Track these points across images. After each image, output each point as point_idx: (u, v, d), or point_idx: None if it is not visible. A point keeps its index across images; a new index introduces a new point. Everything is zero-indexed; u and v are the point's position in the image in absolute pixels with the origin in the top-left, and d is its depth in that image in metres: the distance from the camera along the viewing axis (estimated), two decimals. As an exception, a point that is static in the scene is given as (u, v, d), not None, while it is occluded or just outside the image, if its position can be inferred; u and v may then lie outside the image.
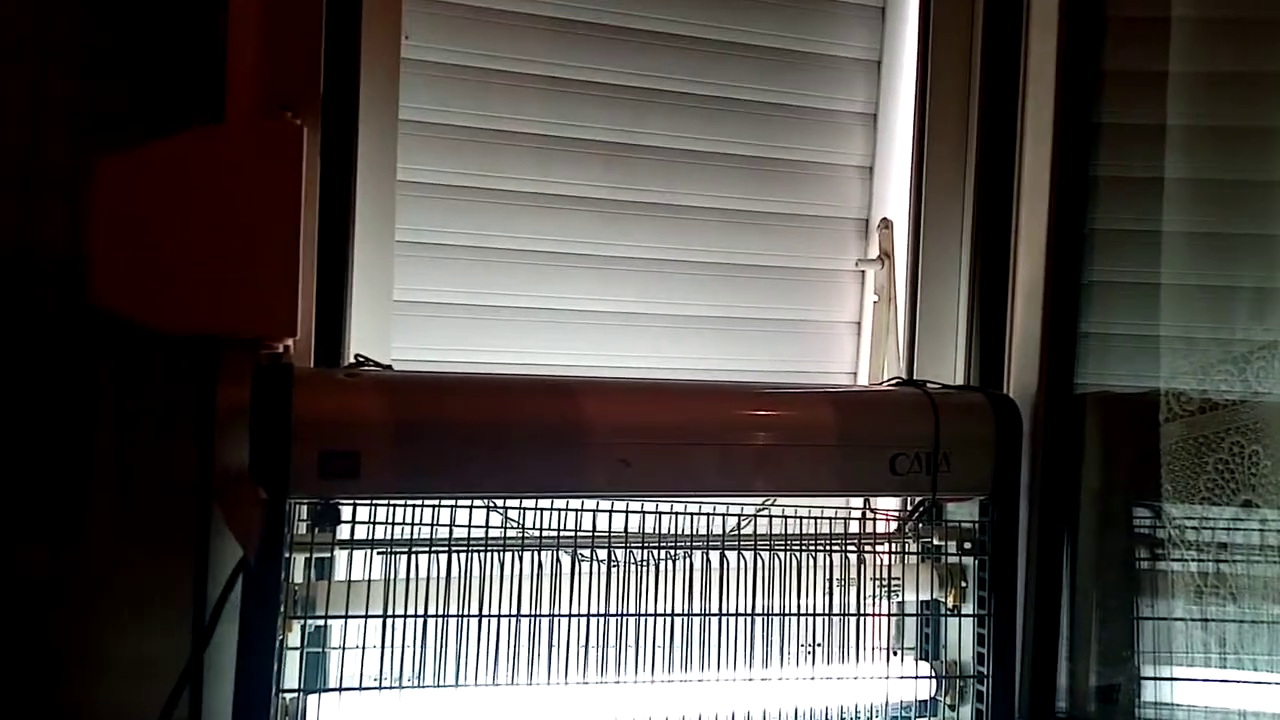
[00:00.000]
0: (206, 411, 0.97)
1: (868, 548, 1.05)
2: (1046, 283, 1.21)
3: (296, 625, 0.90)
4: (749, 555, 1.00)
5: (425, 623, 0.91)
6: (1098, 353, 1.21)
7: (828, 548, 1.03)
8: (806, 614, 1.01)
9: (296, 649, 0.91)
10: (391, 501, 0.91)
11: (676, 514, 0.98)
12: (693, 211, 1.30)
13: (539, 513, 0.95)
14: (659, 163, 1.28)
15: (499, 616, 0.92)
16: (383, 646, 0.89)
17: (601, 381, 1.03)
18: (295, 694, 0.89)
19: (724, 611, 0.99)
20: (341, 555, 0.95)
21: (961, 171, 1.28)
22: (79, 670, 0.99)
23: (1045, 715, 1.15)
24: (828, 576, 1.02)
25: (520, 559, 0.93)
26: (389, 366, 0.97)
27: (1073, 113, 1.21)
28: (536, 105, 1.23)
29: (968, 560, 1.07)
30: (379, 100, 1.09)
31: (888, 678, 1.05)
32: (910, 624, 1.13)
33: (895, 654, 1.10)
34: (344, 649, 0.92)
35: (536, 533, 0.94)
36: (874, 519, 1.08)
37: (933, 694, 1.09)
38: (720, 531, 1.00)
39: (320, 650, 0.93)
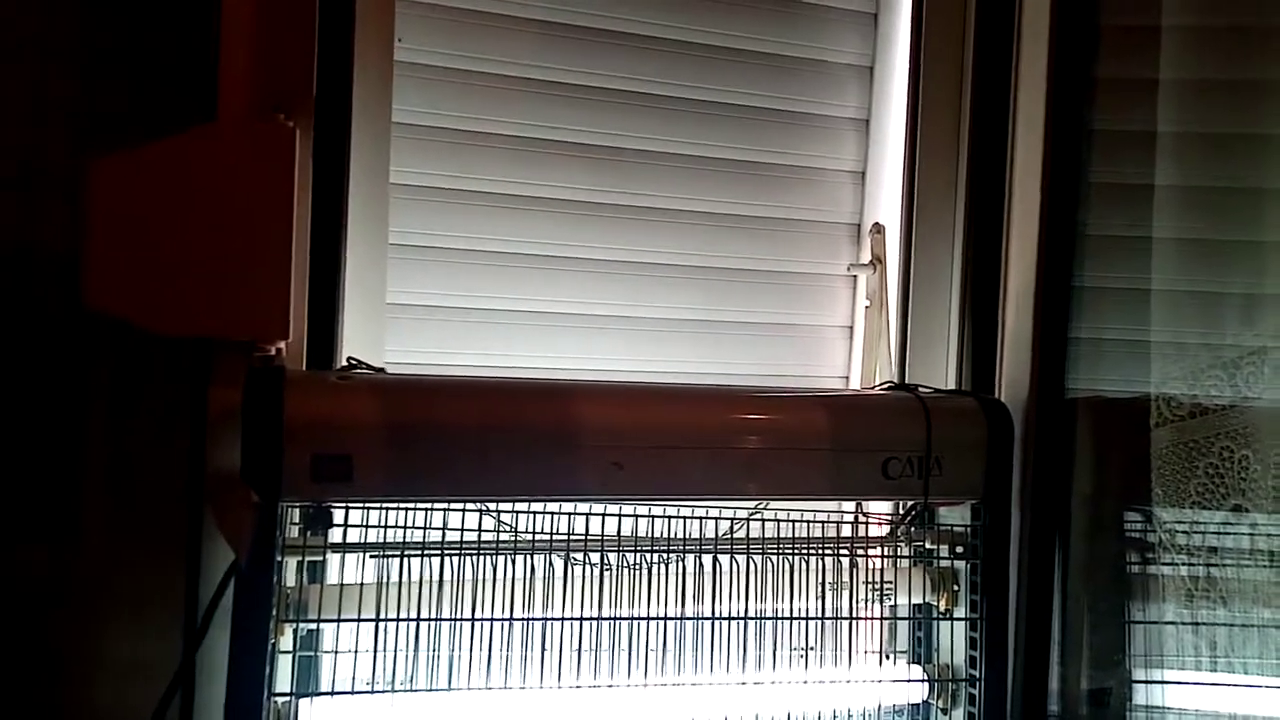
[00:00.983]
0: (199, 413, 0.97)
1: (860, 551, 1.05)
2: (1038, 287, 1.21)
3: (288, 629, 0.90)
4: (741, 559, 1.00)
5: (418, 626, 0.91)
6: (1089, 358, 1.21)
7: (820, 551, 1.03)
8: (799, 618, 1.01)
9: (288, 653, 0.91)
10: (383, 505, 0.91)
11: (669, 517, 0.98)
12: (685, 215, 1.30)
13: (531, 516, 0.95)
14: (651, 167, 1.28)
15: (491, 620, 0.92)
16: (375, 650, 0.89)
17: (594, 385, 1.03)
18: (287, 698, 0.89)
19: (716, 615, 0.99)
20: (333, 559, 0.95)
21: (953, 177, 1.28)
22: (73, 671, 0.99)
23: (1037, 719, 1.16)
24: (820, 580, 1.02)
25: (513, 562, 0.93)
26: (381, 369, 0.96)
27: (1064, 119, 1.21)
28: (528, 108, 1.23)
29: (959, 564, 1.08)
30: (372, 102, 1.08)
31: (880, 681, 1.05)
32: (902, 628, 1.13)
33: (887, 657, 1.10)
34: (336, 653, 0.92)
35: (529, 536, 0.94)
36: (866, 523, 1.08)
37: (925, 698, 1.09)
38: (713, 535, 1.00)
39: (313, 654, 0.93)
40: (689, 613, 0.98)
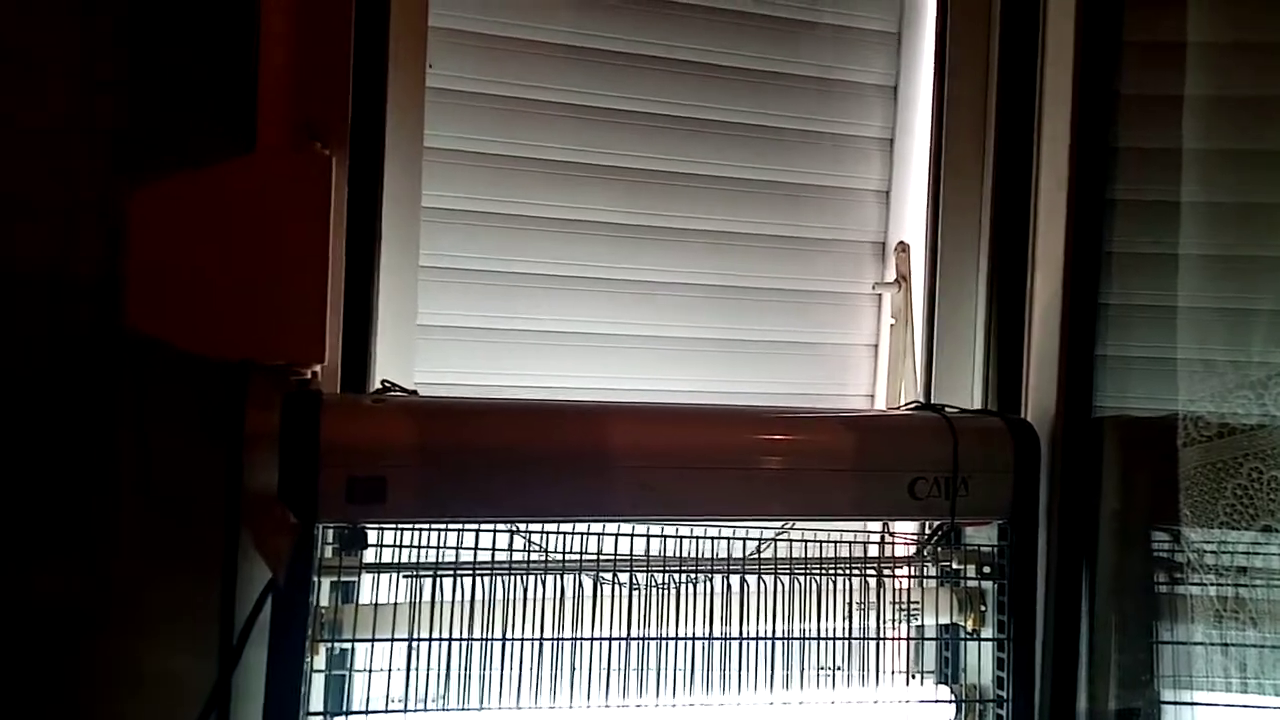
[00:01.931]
0: (236, 435, 0.99)
1: (887, 571, 1.06)
2: (1064, 305, 1.21)
3: (322, 648, 0.91)
4: (769, 579, 1.00)
5: (449, 646, 0.92)
6: (1116, 376, 1.21)
7: (847, 572, 1.03)
8: (826, 638, 1.02)
9: (322, 672, 0.92)
10: (416, 526, 0.92)
11: (697, 537, 0.99)
12: (711, 236, 1.31)
13: (561, 536, 0.96)
14: (678, 188, 1.29)
15: (522, 640, 0.93)
16: (408, 669, 0.90)
17: (622, 406, 1.05)
18: (321, 717, 0.90)
19: (744, 635, 0.99)
20: (365, 579, 0.96)
21: (978, 195, 1.29)
22: (108, 689, 1.00)
23: (1065, 740, 1.16)
24: (847, 600, 1.03)
25: (542, 583, 0.94)
26: (414, 392, 0.98)
27: (1089, 136, 1.21)
28: (555, 132, 1.24)
29: (987, 584, 1.08)
30: (404, 128, 1.10)
31: (907, 702, 1.06)
32: (929, 648, 1.13)
33: (914, 678, 1.10)
34: (370, 671, 0.93)
35: (559, 556, 0.95)
36: (893, 543, 1.09)
37: (952, 718, 1.09)
38: (740, 555, 1.01)
39: (345, 673, 0.94)
40: (717, 633, 0.99)
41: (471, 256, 1.22)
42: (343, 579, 0.91)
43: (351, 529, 0.89)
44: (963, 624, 1.10)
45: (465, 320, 1.22)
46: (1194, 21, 1.18)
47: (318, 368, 0.96)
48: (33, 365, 0.99)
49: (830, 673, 1.02)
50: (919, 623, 1.09)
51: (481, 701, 0.92)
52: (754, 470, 0.97)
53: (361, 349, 1.05)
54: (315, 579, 0.87)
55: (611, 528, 0.97)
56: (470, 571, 0.92)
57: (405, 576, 0.92)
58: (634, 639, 0.96)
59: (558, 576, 0.95)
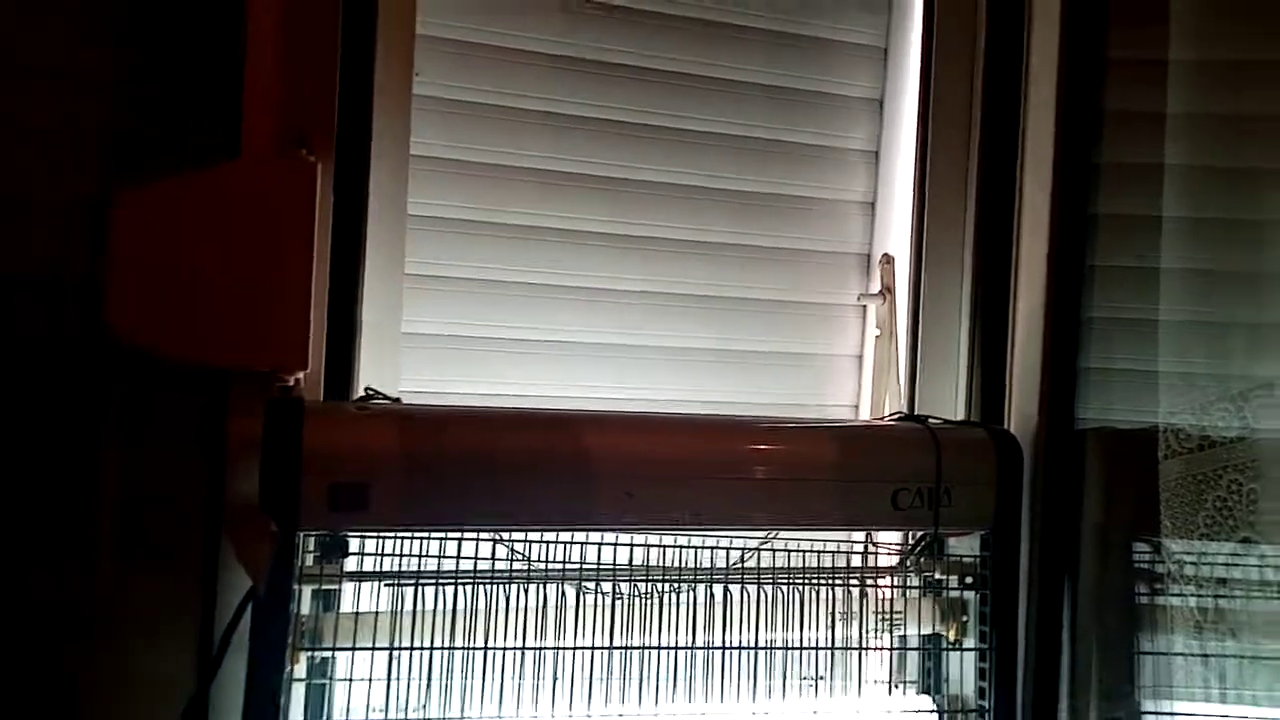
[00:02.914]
0: (217, 442, 0.98)
1: (870, 581, 1.06)
2: (1046, 318, 1.22)
3: (303, 657, 0.91)
4: (753, 588, 1.00)
5: (431, 655, 0.91)
6: (1098, 387, 1.22)
7: (830, 581, 1.03)
8: (809, 647, 1.02)
9: (302, 681, 0.92)
10: (397, 534, 0.92)
11: (680, 547, 0.99)
12: (696, 246, 1.32)
13: (544, 545, 0.96)
14: (663, 198, 1.30)
15: (503, 649, 0.92)
16: (389, 679, 0.90)
17: (606, 414, 1.05)
18: (301, 725, 0.90)
19: (727, 644, 0.99)
20: (346, 588, 0.96)
21: (962, 208, 1.30)
22: (90, 693, 1.00)
23: (1047, 750, 1.16)
24: (830, 610, 1.03)
25: (525, 591, 0.94)
26: (397, 399, 0.98)
27: (1073, 151, 1.23)
28: (540, 141, 1.25)
29: (969, 594, 1.08)
30: (391, 135, 1.10)
31: (889, 712, 1.06)
32: (912, 658, 1.14)
33: (897, 687, 1.10)
34: (351, 681, 0.92)
35: (541, 565, 0.95)
36: (876, 553, 1.09)
37: (934, 728, 1.10)
38: (723, 565, 1.01)
39: (326, 682, 0.94)
40: (699, 642, 0.99)
41: (456, 264, 1.22)
42: (324, 587, 0.91)
43: (333, 537, 0.88)
44: (945, 634, 1.10)
45: (450, 328, 1.22)
46: (1176, 39, 1.19)
47: (301, 375, 0.96)
48: (23, 368, 0.99)
49: (813, 682, 1.02)
50: (901, 633, 1.09)
51: (462, 711, 0.92)
52: (738, 479, 0.97)
53: (345, 356, 1.05)
54: (296, 587, 0.87)
55: (595, 536, 0.97)
56: (452, 580, 0.92)
57: (387, 585, 0.92)
58: (616, 648, 0.96)
59: (540, 585, 0.94)
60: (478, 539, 0.93)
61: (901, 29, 1.36)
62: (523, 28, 1.22)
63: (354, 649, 0.90)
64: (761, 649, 1.00)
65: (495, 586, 0.93)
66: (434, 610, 0.92)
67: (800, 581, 1.02)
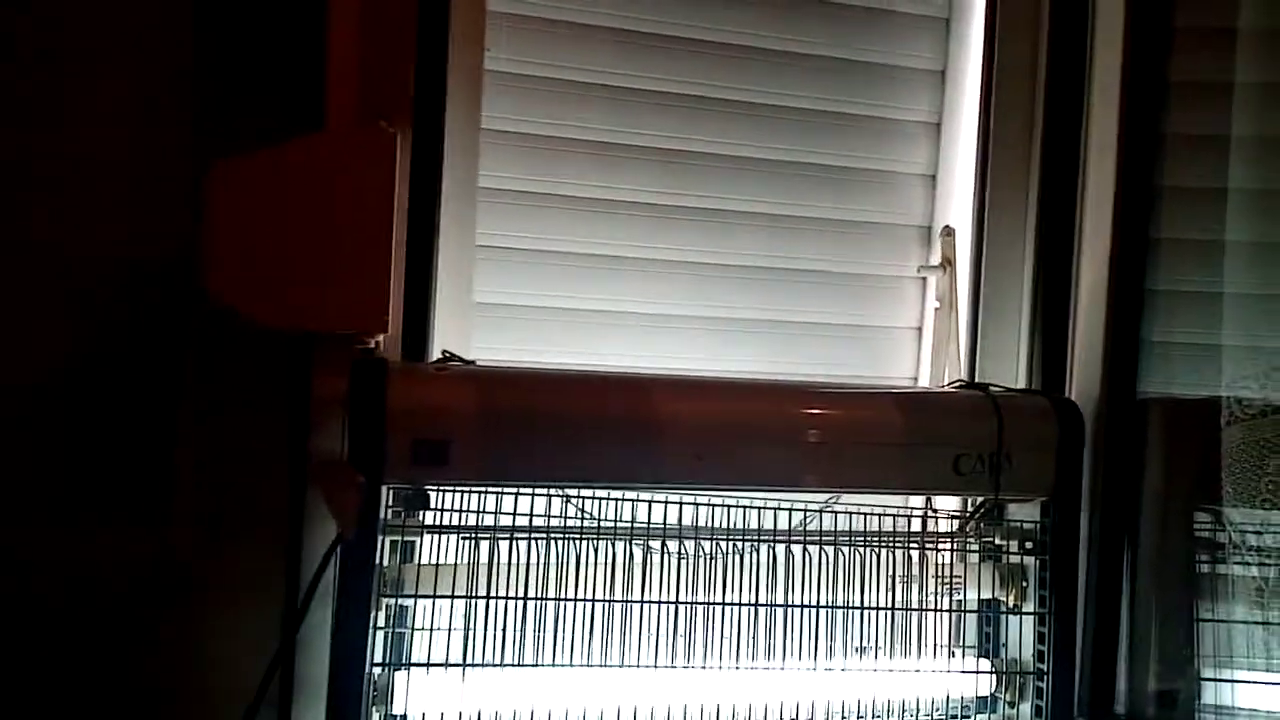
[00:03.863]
0: (301, 401, 1.03)
1: (930, 545, 1.08)
2: (1110, 290, 1.22)
3: (384, 604, 0.95)
4: (814, 550, 1.03)
5: (503, 605, 0.95)
6: (1160, 361, 1.22)
7: (891, 544, 1.05)
8: (870, 608, 1.04)
9: (383, 629, 0.96)
10: (475, 489, 0.96)
11: (744, 508, 1.02)
12: (756, 218, 1.33)
13: (611, 503, 0.99)
14: (726, 170, 1.31)
15: (574, 600, 0.96)
16: (465, 628, 0.94)
17: (678, 379, 1.08)
18: (384, 668, 0.94)
19: (789, 603, 1.02)
20: (423, 542, 1.00)
21: (1025, 180, 1.30)
22: (179, 655, 1.04)
23: (1104, 714, 1.17)
24: (891, 573, 1.05)
25: (595, 548, 0.97)
26: (472, 362, 1.02)
27: (1138, 122, 1.22)
28: (607, 114, 1.27)
29: (1029, 560, 1.09)
30: (463, 110, 1.14)
31: (948, 672, 1.08)
32: (971, 622, 1.15)
33: (955, 652, 1.12)
34: (431, 629, 0.97)
35: (610, 523, 0.98)
36: (936, 517, 1.11)
37: (992, 690, 1.11)
38: (786, 527, 1.03)
39: (408, 630, 0.98)
40: (763, 600, 1.01)
41: (524, 236, 1.25)
42: (405, 538, 0.95)
43: (414, 490, 0.93)
44: (1003, 600, 1.12)
45: (516, 298, 1.25)
46: (1245, 6, 1.18)
47: (381, 338, 1.00)
48: (112, 336, 1.04)
49: (872, 644, 1.04)
50: (960, 597, 1.11)
51: (537, 659, 0.96)
52: (802, 443, 0.99)
53: (421, 322, 1.09)
54: (380, 538, 0.91)
55: (661, 496, 1.00)
56: (526, 535, 0.96)
57: (464, 538, 0.96)
58: (682, 603, 0.99)
59: (610, 542, 0.98)
60: (549, 496, 0.97)
61: (964, 0, 1.36)
62: (588, 3, 1.24)
63: (434, 596, 0.94)
64: (823, 608, 1.02)
65: (568, 542, 0.96)
66: (508, 564, 0.96)
67: (863, 543, 1.04)
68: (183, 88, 1.04)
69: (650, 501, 0.99)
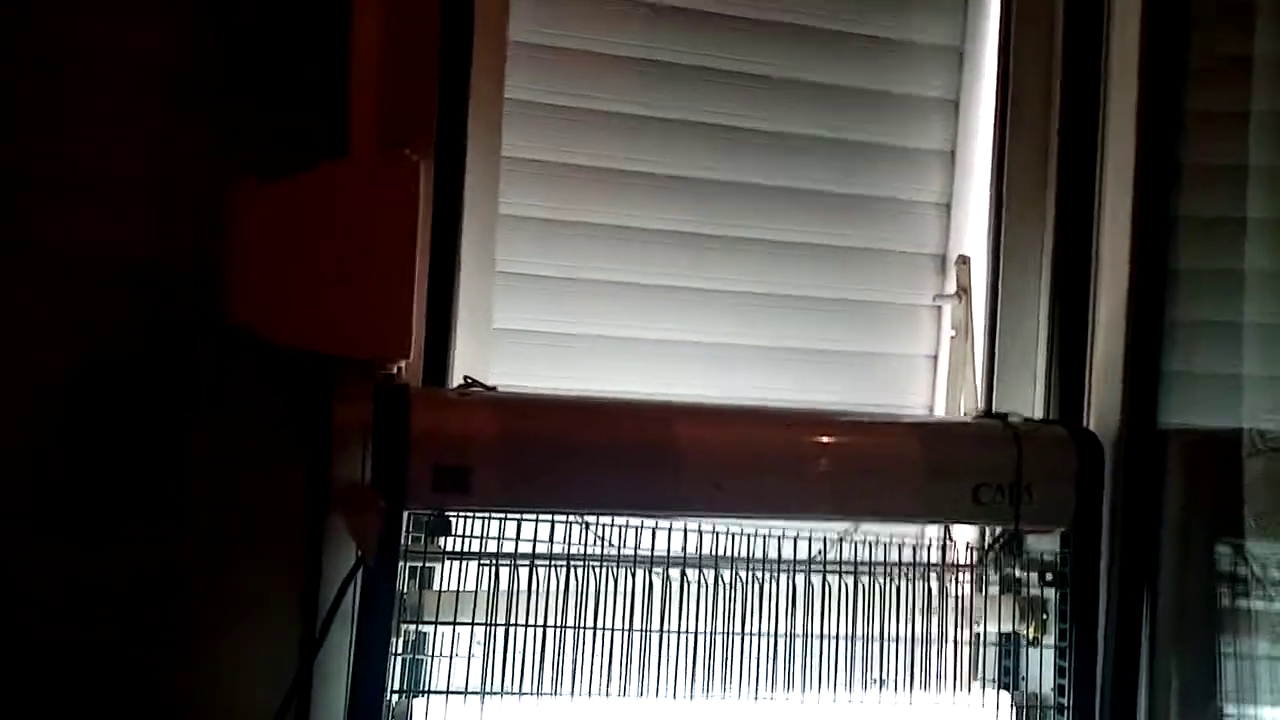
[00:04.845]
0: (321, 424, 1.03)
1: (949, 577, 1.07)
2: (1128, 321, 1.21)
3: (403, 630, 0.95)
4: (834, 579, 1.02)
5: (522, 633, 0.95)
6: (1180, 392, 1.21)
7: (910, 575, 1.05)
8: (888, 639, 1.03)
9: (400, 655, 0.96)
10: (496, 515, 0.96)
11: (763, 536, 1.01)
12: (774, 246, 1.33)
13: (632, 530, 0.99)
14: (743, 199, 1.32)
15: (593, 629, 0.96)
16: (486, 654, 0.94)
17: (696, 407, 1.07)
18: (402, 696, 0.94)
19: (808, 633, 1.01)
20: (441, 568, 1.00)
21: (1041, 208, 1.30)
22: (196, 675, 1.05)
23: (1125, 748, 1.16)
24: (910, 604, 1.04)
25: (614, 576, 0.97)
26: (494, 388, 1.02)
27: (1155, 151, 1.22)
28: (622, 143, 1.27)
29: (1049, 592, 1.08)
30: (483, 138, 1.14)
31: (969, 706, 1.07)
32: (990, 654, 1.14)
33: (974, 684, 1.11)
34: (452, 656, 0.96)
35: (630, 552, 0.98)
36: (955, 548, 1.10)
37: (1012, 723, 1.10)
38: (805, 556, 1.03)
39: (428, 657, 0.98)
40: (781, 630, 1.01)
41: (541, 262, 1.25)
42: (427, 564, 0.95)
43: (435, 517, 0.92)
44: (1023, 633, 1.11)
45: (536, 324, 1.25)
46: (1261, 35, 1.18)
47: (403, 364, 1.00)
48: (132, 351, 1.04)
49: (890, 676, 1.03)
50: (979, 629, 1.10)
51: (555, 688, 0.95)
52: (822, 472, 0.99)
53: (441, 349, 1.09)
54: (401, 564, 0.91)
55: (679, 524, 0.99)
56: (546, 563, 0.95)
57: (484, 565, 0.95)
58: (699, 633, 0.99)
59: (629, 571, 0.97)
60: (569, 523, 0.97)
61: (977, 28, 1.37)
62: (606, 32, 1.25)
63: (455, 624, 0.94)
64: (841, 639, 1.02)
65: (588, 569, 0.96)
66: (527, 591, 0.96)
67: (882, 574, 1.03)
68: (213, 107, 1.05)
69: (670, 529, 0.99)
